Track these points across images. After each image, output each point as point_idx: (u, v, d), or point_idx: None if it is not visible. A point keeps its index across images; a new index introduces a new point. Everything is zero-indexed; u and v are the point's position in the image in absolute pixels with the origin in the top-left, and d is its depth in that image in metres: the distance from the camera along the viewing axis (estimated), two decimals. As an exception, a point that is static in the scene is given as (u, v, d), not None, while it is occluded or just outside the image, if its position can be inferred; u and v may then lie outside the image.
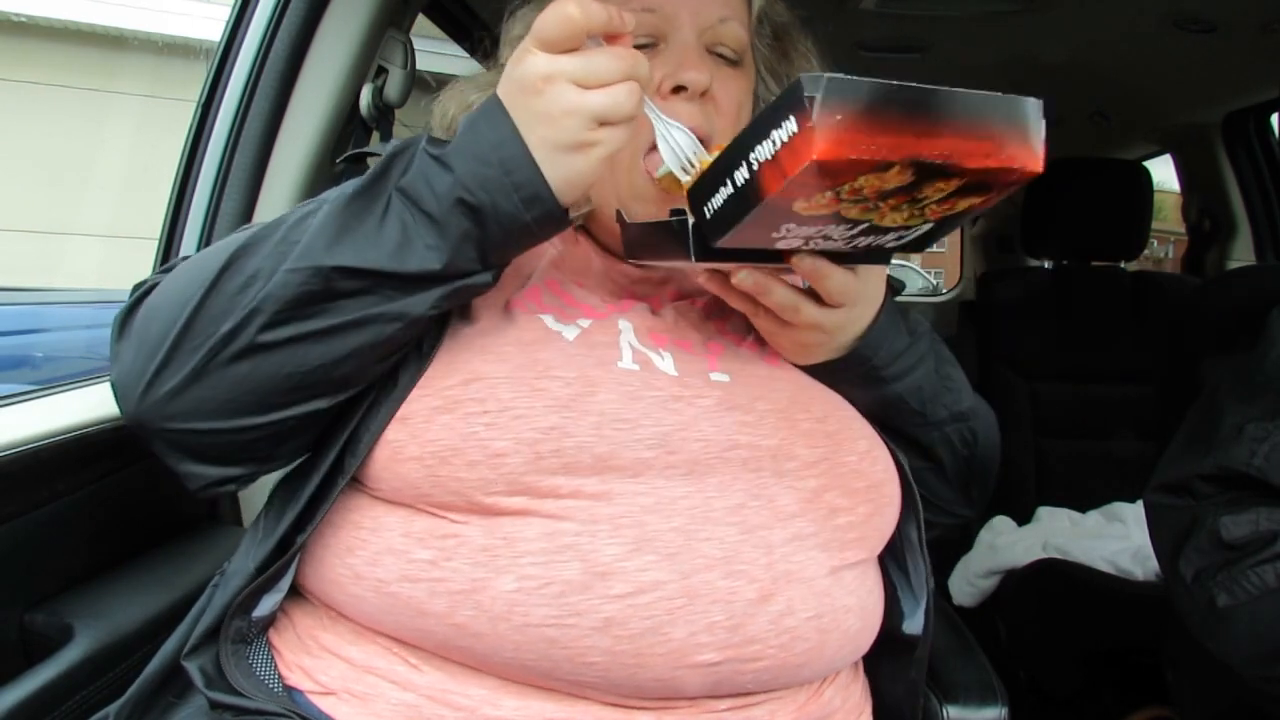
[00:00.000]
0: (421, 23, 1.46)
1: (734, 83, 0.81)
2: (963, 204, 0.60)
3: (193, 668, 0.67)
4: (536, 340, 0.70)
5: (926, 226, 0.63)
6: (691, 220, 0.63)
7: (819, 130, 0.50)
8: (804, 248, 0.65)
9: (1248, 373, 0.98)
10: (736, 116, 0.81)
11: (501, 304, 0.73)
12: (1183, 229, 2.62)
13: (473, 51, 1.38)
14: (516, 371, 0.66)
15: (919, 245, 0.67)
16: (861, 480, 0.72)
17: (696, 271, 0.72)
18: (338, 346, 0.64)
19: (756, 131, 0.55)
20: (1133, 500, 2.00)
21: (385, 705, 0.65)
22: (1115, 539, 1.88)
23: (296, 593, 0.72)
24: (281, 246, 0.63)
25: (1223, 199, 2.41)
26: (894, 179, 0.54)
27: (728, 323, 0.81)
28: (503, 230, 0.63)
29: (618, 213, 0.73)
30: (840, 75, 0.51)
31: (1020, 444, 2.20)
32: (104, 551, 0.95)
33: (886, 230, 0.62)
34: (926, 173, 0.54)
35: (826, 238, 0.63)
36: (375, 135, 1.34)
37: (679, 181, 0.69)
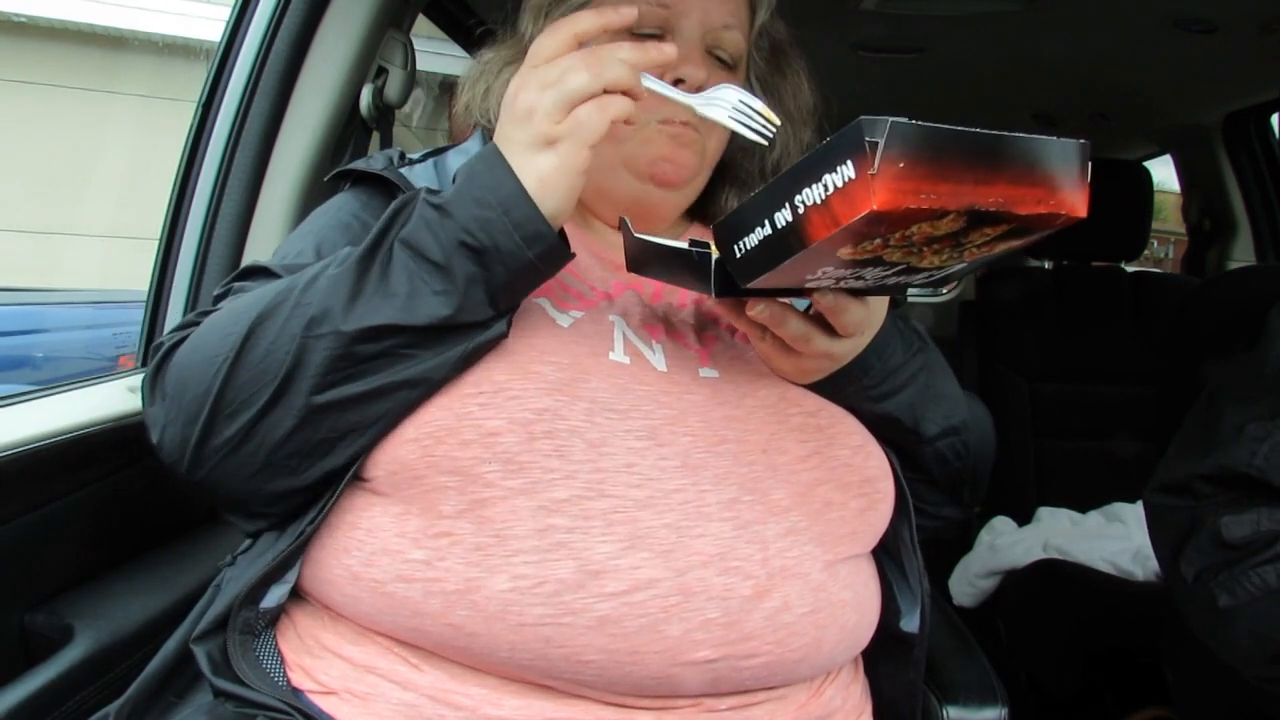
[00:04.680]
0: (421, 23, 1.46)
1: None
2: (1001, 246, 0.58)
3: (200, 652, 0.67)
4: (531, 326, 0.71)
5: (959, 266, 0.61)
6: (716, 255, 0.60)
7: (880, 178, 0.47)
8: (832, 287, 0.62)
9: (1248, 372, 0.98)
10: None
11: None
12: (1183, 229, 2.61)
13: (472, 51, 1.38)
14: (510, 355, 0.68)
15: (941, 283, 0.65)
16: (854, 475, 0.72)
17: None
18: (368, 414, 0.65)
19: (805, 172, 0.51)
20: (1133, 500, 2.00)
21: (386, 705, 0.65)
22: (1115, 539, 1.88)
23: (298, 594, 0.73)
24: (298, 311, 0.64)
25: (1223, 199, 2.41)
26: (946, 226, 0.52)
27: (724, 315, 0.81)
28: (507, 270, 0.64)
29: (622, 221, 0.71)
30: (903, 120, 0.47)
31: (1020, 444, 2.20)
32: (104, 551, 0.95)
33: (919, 270, 0.60)
34: (979, 219, 0.52)
35: (859, 278, 0.60)
36: (376, 136, 1.34)
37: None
